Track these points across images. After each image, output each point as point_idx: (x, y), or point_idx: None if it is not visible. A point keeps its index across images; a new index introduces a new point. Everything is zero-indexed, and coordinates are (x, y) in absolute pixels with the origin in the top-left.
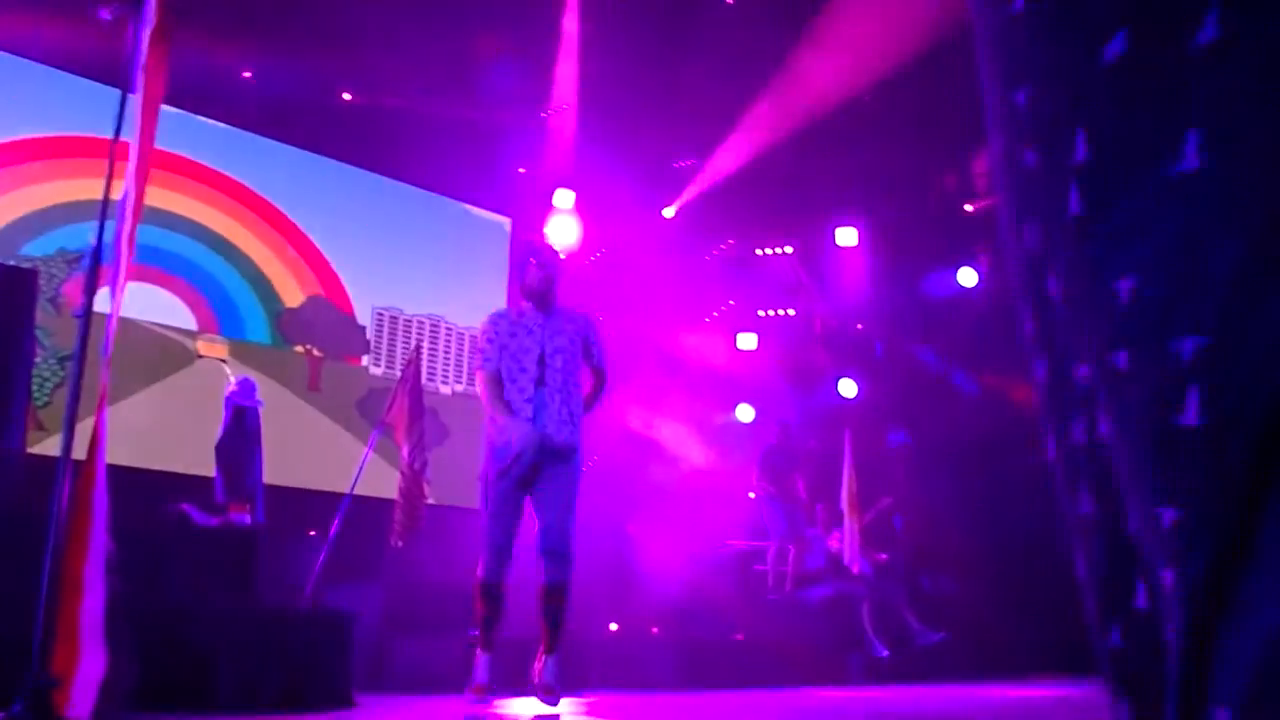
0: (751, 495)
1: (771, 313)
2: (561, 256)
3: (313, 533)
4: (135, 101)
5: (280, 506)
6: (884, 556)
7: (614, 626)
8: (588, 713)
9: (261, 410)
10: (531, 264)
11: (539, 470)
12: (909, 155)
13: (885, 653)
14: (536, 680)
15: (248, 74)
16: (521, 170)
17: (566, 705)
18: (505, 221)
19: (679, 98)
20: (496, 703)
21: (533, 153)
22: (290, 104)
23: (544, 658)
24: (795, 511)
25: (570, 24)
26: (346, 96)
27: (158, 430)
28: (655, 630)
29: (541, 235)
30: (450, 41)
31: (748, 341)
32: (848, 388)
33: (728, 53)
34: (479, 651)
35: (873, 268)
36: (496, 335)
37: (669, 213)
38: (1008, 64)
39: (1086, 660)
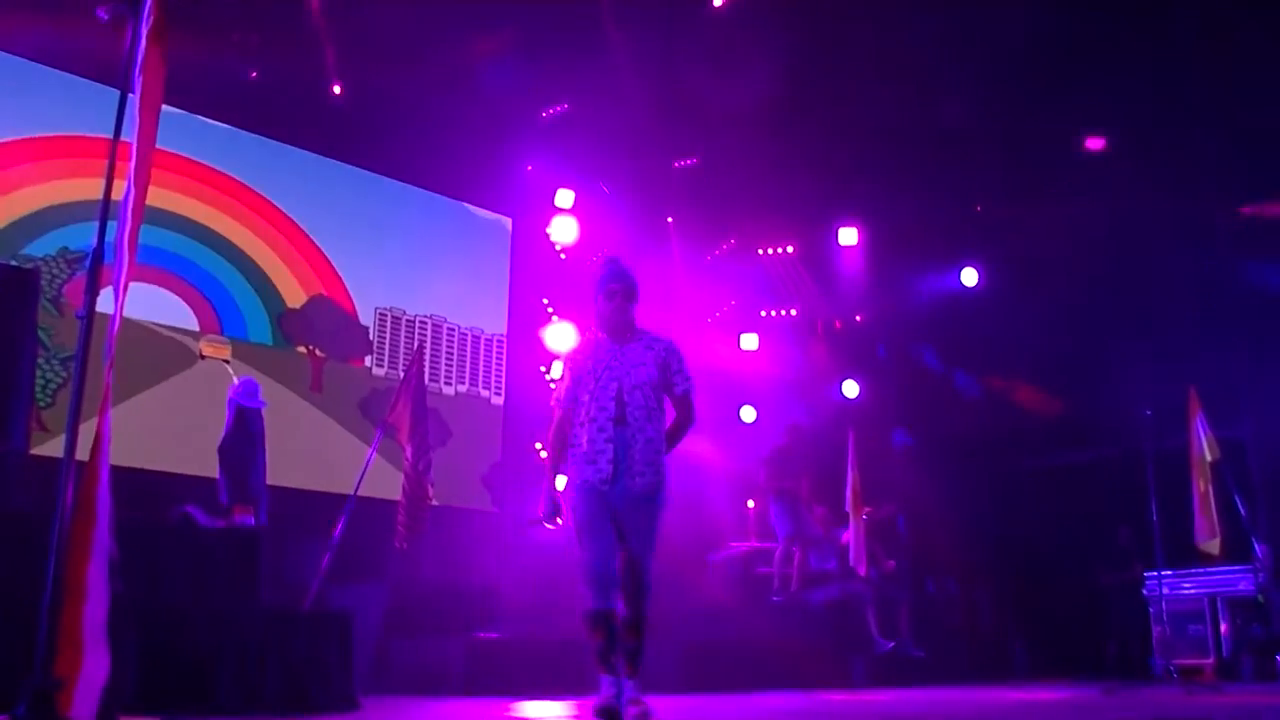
0: (750, 504)
1: (773, 313)
2: (631, 276)
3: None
4: (135, 101)
5: (283, 508)
6: (892, 564)
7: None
8: (589, 714)
9: (264, 411)
10: (601, 296)
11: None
12: (910, 155)
13: (889, 646)
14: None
15: (251, 74)
16: (530, 167)
17: (567, 707)
18: (507, 221)
19: (680, 98)
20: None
21: (534, 153)
22: (293, 104)
23: (624, 681)
24: (801, 513)
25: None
26: (337, 90)
27: (160, 431)
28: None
29: (611, 257)
30: (450, 41)
31: (750, 342)
32: (850, 388)
33: (729, 53)
34: (601, 675)
35: (874, 267)
36: (574, 371)
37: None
38: None
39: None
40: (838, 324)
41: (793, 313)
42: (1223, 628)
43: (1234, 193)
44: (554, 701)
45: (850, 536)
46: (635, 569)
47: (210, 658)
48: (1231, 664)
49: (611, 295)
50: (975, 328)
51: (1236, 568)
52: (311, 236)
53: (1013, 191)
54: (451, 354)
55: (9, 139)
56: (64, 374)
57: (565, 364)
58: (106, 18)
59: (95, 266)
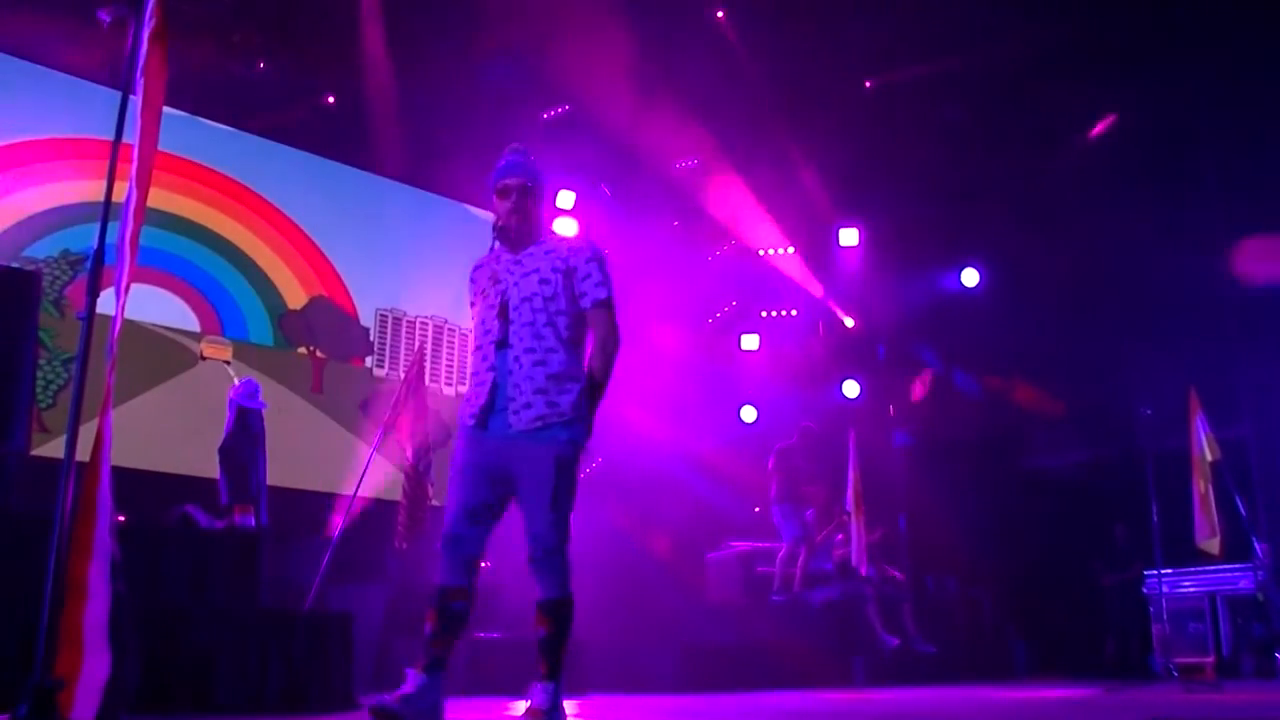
0: (756, 510)
1: (774, 313)
2: (532, 168)
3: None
4: (136, 103)
5: (283, 508)
6: (898, 575)
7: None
8: (589, 715)
9: (265, 412)
10: (495, 193)
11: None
12: (911, 155)
13: (895, 641)
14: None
15: (251, 76)
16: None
17: (567, 706)
18: None
19: (681, 98)
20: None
21: (534, 153)
22: (293, 105)
23: (536, 685)
24: (807, 514)
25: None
26: (330, 100)
27: (161, 432)
28: (658, 632)
29: (513, 146)
30: (451, 42)
31: (750, 342)
32: (850, 388)
33: (729, 53)
34: (407, 667)
35: (875, 268)
36: (475, 292)
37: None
38: None
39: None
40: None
41: (793, 313)
42: (1223, 626)
43: (1235, 192)
44: None
45: (852, 536)
46: (533, 540)
47: (210, 658)
48: (1232, 662)
49: (505, 192)
50: (975, 328)
51: (1236, 566)
52: (312, 238)
53: (1013, 191)
54: (452, 355)
55: (10, 141)
56: (65, 375)
57: (469, 284)
58: (108, 20)
59: (96, 268)
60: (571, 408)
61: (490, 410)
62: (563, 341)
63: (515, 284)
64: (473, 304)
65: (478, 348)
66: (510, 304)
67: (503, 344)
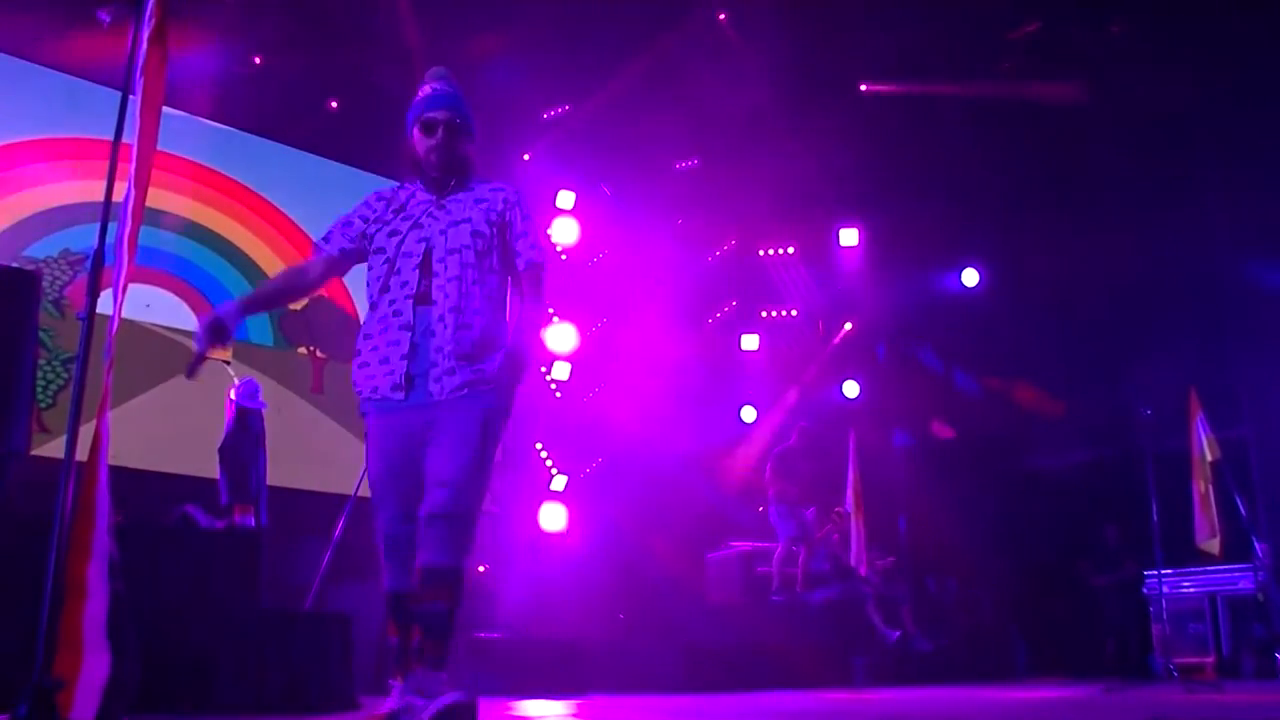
0: (761, 509)
1: (774, 314)
2: (462, 102)
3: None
4: (135, 103)
5: (284, 508)
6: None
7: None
8: (589, 715)
9: (265, 412)
10: (417, 126)
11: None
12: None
13: (897, 634)
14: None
15: (249, 75)
16: (526, 156)
17: (567, 707)
18: None
19: (682, 98)
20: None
21: (534, 154)
22: (292, 105)
23: (416, 672)
24: (805, 514)
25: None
26: (334, 105)
27: (161, 432)
28: (658, 632)
29: (436, 70)
30: (451, 42)
31: (750, 342)
32: (850, 388)
33: (731, 53)
34: (390, 679)
35: (875, 268)
36: (365, 220)
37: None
38: None
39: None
40: (847, 325)
41: (793, 313)
42: (1223, 627)
43: (1236, 192)
44: (554, 701)
45: (851, 537)
46: (443, 495)
47: (210, 658)
48: (1232, 662)
49: (431, 126)
50: (975, 328)
51: (1236, 567)
52: (312, 237)
53: (1013, 191)
54: None
55: (10, 141)
56: (65, 375)
57: (359, 207)
58: (108, 20)
59: (96, 268)
60: (497, 373)
61: (411, 380)
62: (491, 302)
63: (441, 232)
64: (365, 235)
65: (389, 302)
66: (434, 255)
67: (423, 299)
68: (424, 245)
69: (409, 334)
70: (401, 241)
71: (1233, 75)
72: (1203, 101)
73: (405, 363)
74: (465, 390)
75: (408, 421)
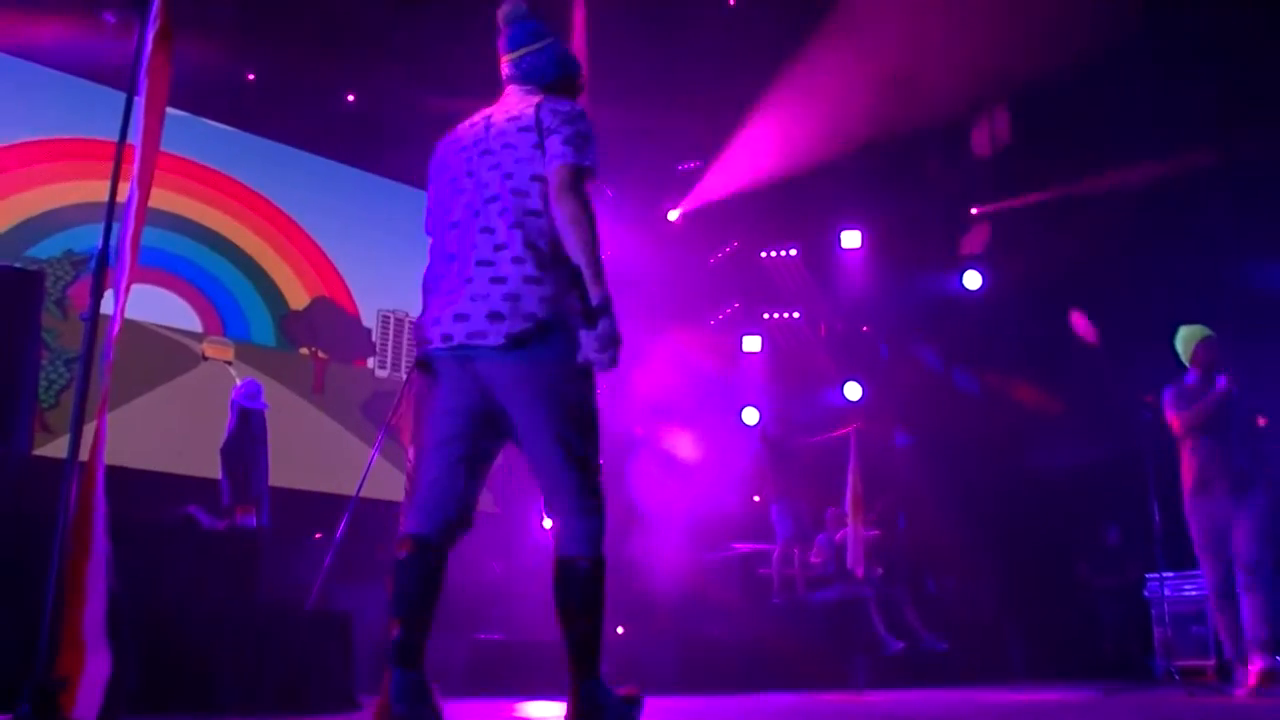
0: (756, 499)
1: (776, 315)
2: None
3: (319, 535)
4: (139, 104)
5: (285, 509)
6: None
7: (620, 630)
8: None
9: (266, 413)
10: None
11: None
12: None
13: (899, 645)
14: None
15: (252, 76)
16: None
17: (560, 708)
18: None
19: (683, 99)
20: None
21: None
22: (295, 106)
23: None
24: (802, 514)
25: (573, 22)
26: (350, 98)
27: (163, 433)
28: (658, 633)
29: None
30: (452, 42)
31: (752, 344)
32: (852, 390)
33: (732, 53)
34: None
35: (877, 269)
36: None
37: (673, 216)
38: None
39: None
40: (839, 327)
41: (795, 315)
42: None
43: (1238, 191)
44: (554, 702)
45: (848, 539)
46: (553, 488)
47: (210, 657)
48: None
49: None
50: (975, 327)
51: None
52: (314, 238)
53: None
54: None
55: (14, 142)
56: (68, 375)
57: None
58: (114, 21)
59: (100, 269)
60: (554, 319)
61: (455, 330)
62: (533, 240)
63: (495, 166)
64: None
65: (437, 240)
66: (483, 195)
67: (459, 225)
68: (476, 180)
69: (469, 286)
70: (458, 181)
71: (1237, 72)
72: (1205, 97)
73: (452, 317)
74: (517, 344)
75: (466, 382)
